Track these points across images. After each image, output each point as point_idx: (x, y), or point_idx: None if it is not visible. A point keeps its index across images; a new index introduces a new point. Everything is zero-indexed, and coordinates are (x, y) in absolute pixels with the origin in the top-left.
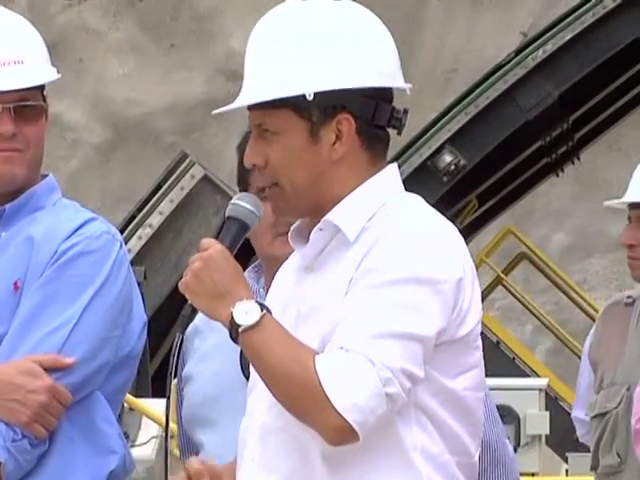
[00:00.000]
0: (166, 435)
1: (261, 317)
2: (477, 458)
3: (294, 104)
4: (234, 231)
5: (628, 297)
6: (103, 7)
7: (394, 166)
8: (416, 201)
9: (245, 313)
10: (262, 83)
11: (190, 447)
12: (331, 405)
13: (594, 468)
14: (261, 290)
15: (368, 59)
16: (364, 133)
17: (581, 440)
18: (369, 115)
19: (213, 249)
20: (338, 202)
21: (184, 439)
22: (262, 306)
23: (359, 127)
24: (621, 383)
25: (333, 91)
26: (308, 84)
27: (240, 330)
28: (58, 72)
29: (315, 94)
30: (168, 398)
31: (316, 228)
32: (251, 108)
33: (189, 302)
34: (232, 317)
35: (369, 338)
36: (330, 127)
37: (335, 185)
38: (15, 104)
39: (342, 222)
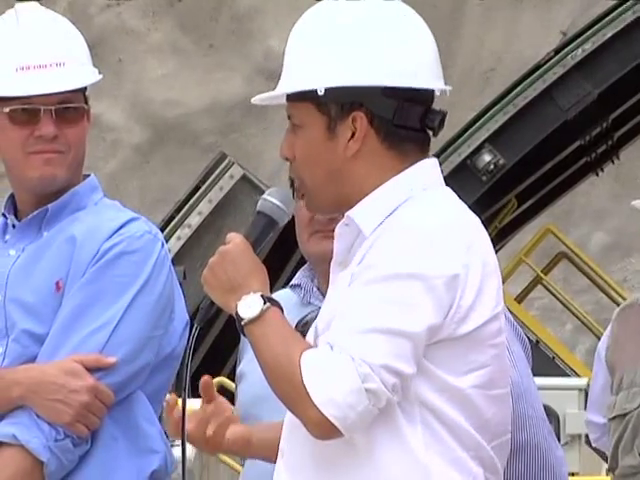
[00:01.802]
0: (183, 429)
1: (262, 311)
2: (492, 450)
3: (314, 99)
4: (261, 226)
5: None
6: (142, 8)
7: (428, 162)
8: (437, 196)
9: (248, 306)
10: (287, 77)
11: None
12: (310, 399)
13: (612, 469)
14: (315, 289)
15: (388, 58)
16: (383, 131)
17: (594, 444)
18: (389, 114)
19: (233, 243)
20: (360, 198)
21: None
22: (268, 300)
23: (377, 125)
24: None
25: (350, 88)
26: (324, 80)
27: (243, 323)
28: (99, 73)
29: (333, 90)
30: (185, 391)
31: (341, 223)
32: (287, 100)
33: (207, 295)
34: (236, 310)
35: (354, 334)
36: (346, 123)
37: (357, 182)
38: (56, 106)
39: (360, 218)
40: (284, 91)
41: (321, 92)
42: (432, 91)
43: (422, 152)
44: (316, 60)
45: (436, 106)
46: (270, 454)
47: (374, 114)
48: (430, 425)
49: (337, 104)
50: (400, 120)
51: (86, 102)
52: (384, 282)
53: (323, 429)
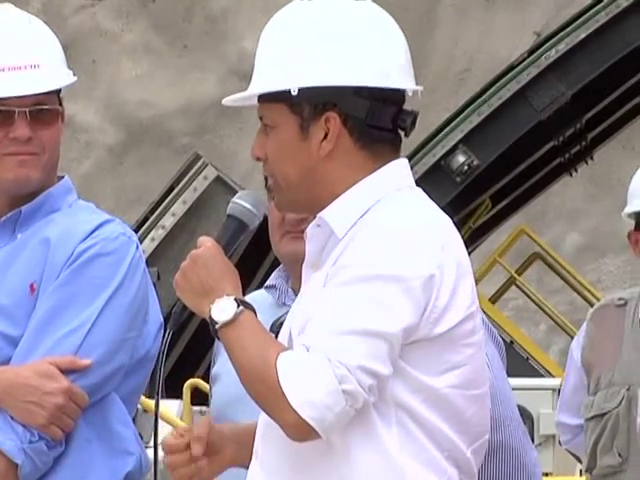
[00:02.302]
0: (155, 431)
1: (236, 314)
2: (472, 453)
3: (287, 99)
4: (232, 230)
5: (619, 299)
6: (116, 9)
7: (399, 162)
8: (409, 197)
9: (222, 310)
10: (258, 78)
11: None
12: (287, 401)
13: (589, 470)
14: (289, 290)
15: (361, 59)
16: (356, 132)
17: (565, 446)
18: (362, 115)
19: (204, 247)
20: (332, 199)
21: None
22: (242, 303)
23: (350, 126)
24: (620, 384)
25: (323, 88)
26: (297, 80)
27: (217, 327)
28: (74, 74)
29: (306, 90)
30: (157, 394)
31: (312, 224)
32: (258, 100)
33: (179, 299)
34: (209, 314)
35: (330, 335)
36: (319, 124)
37: (329, 182)
38: (31, 108)
39: (332, 219)
40: (255, 92)
41: (294, 92)
42: (404, 91)
43: (394, 152)
44: (288, 60)
45: (410, 107)
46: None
47: (347, 114)
48: (405, 425)
49: (310, 104)
50: (373, 120)
51: (60, 104)
52: (360, 283)
53: (300, 431)
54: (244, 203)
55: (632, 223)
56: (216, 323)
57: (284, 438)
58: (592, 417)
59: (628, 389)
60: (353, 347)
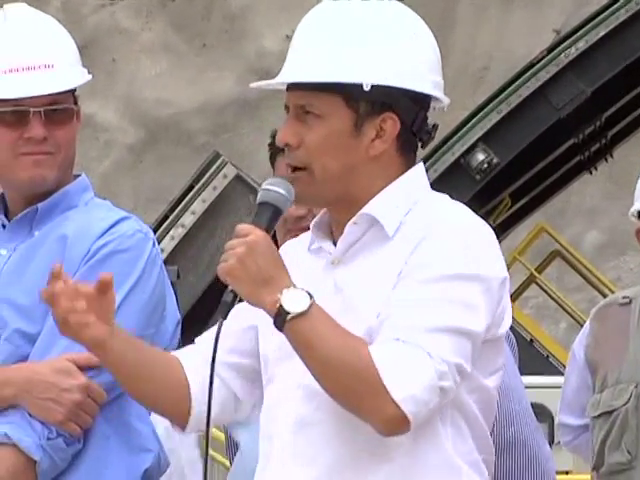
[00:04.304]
0: (207, 429)
1: (310, 305)
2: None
3: (345, 92)
4: (269, 216)
5: (624, 297)
6: (135, 7)
7: (421, 166)
8: (449, 199)
9: (293, 300)
10: (318, 63)
11: (232, 447)
12: (389, 395)
13: (596, 468)
14: None
15: (422, 65)
16: (402, 137)
17: (566, 447)
18: (410, 120)
19: (255, 235)
20: (366, 198)
21: (229, 440)
22: (309, 294)
23: (401, 130)
24: (628, 381)
25: (386, 87)
26: (366, 74)
27: (289, 318)
28: (89, 73)
29: (370, 87)
30: (211, 384)
31: (351, 222)
32: (294, 87)
33: (230, 288)
34: (280, 304)
35: (424, 331)
36: (374, 123)
37: (364, 181)
38: (46, 108)
39: (382, 216)
40: (322, 79)
41: (367, 87)
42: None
43: (414, 161)
44: (357, 54)
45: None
46: (121, 368)
47: (401, 118)
48: (458, 426)
49: (368, 102)
50: (416, 127)
51: (75, 102)
52: (445, 282)
53: (396, 425)
54: (278, 189)
55: (638, 222)
56: (287, 314)
57: (327, 435)
58: (599, 415)
59: (636, 386)
60: (448, 344)
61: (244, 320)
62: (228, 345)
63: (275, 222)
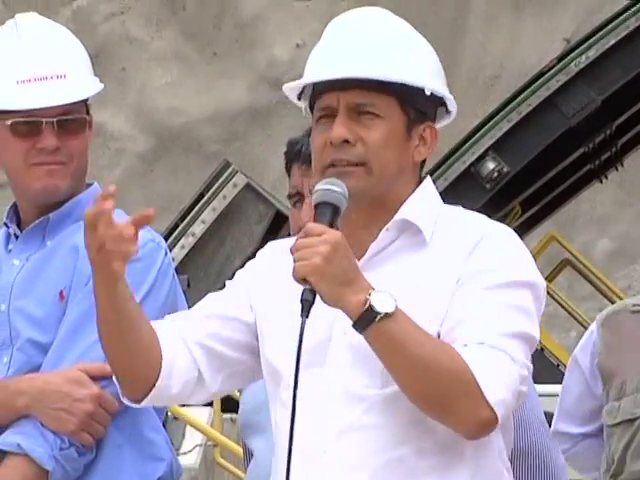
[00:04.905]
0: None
1: (396, 306)
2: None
3: (402, 95)
4: (329, 216)
5: (634, 305)
6: (146, 16)
7: (429, 179)
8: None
9: (382, 301)
10: (381, 63)
11: (248, 456)
12: (484, 398)
13: (615, 475)
14: None
15: (444, 78)
16: (431, 146)
17: (566, 455)
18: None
19: (334, 234)
20: (397, 203)
21: (246, 452)
22: (392, 296)
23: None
24: None
25: (430, 96)
26: (427, 80)
27: (378, 318)
28: (101, 82)
29: (425, 94)
30: (295, 382)
31: (385, 229)
32: (348, 87)
33: (308, 287)
34: (369, 304)
35: (504, 336)
36: (418, 130)
37: (402, 186)
38: (58, 118)
39: (420, 223)
40: (400, 79)
41: (428, 92)
42: None
43: None
44: (418, 60)
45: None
46: (117, 314)
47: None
48: (498, 433)
49: (416, 108)
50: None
51: (87, 112)
52: (509, 288)
53: (485, 428)
54: (334, 187)
55: None
56: (377, 314)
57: (377, 440)
58: (619, 423)
59: None
60: (523, 349)
61: (232, 310)
62: (209, 328)
63: (336, 220)
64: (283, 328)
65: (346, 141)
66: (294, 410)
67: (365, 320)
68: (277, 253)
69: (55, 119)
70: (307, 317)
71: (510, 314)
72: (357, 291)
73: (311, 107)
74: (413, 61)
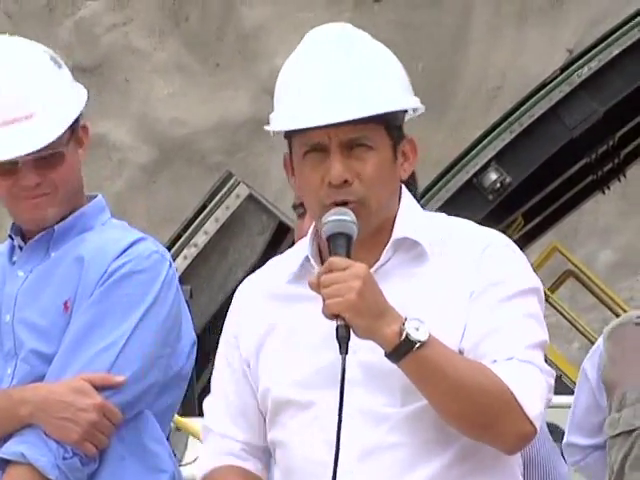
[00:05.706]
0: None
1: (430, 334)
2: None
3: (387, 121)
4: (346, 246)
5: (638, 317)
6: (148, 27)
7: (403, 186)
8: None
9: (416, 330)
10: (368, 97)
11: None
12: (524, 413)
13: None
14: None
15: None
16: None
17: (574, 467)
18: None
19: (361, 267)
20: (390, 221)
21: None
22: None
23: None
24: None
25: (402, 112)
26: (405, 101)
27: (416, 347)
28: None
29: (402, 113)
30: (342, 395)
31: (388, 247)
32: (339, 124)
33: (342, 322)
34: (406, 335)
35: (528, 348)
36: (401, 147)
37: (392, 205)
38: (35, 156)
39: (421, 239)
40: (389, 109)
41: (412, 113)
42: None
43: None
44: (396, 80)
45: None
46: None
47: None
48: None
49: (397, 127)
50: None
51: (75, 126)
52: (519, 297)
53: (526, 441)
54: (345, 217)
55: None
56: (414, 343)
57: (404, 458)
58: (619, 434)
59: None
60: (542, 356)
61: (238, 370)
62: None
63: (351, 249)
64: (281, 359)
65: (345, 181)
66: (339, 434)
67: (402, 350)
68: (256, 288)
69: (31, 157)
70: (347, 353)
71: (527, 324)
72: (390, 322)
73: (288, 136)
74: (393, 84)
